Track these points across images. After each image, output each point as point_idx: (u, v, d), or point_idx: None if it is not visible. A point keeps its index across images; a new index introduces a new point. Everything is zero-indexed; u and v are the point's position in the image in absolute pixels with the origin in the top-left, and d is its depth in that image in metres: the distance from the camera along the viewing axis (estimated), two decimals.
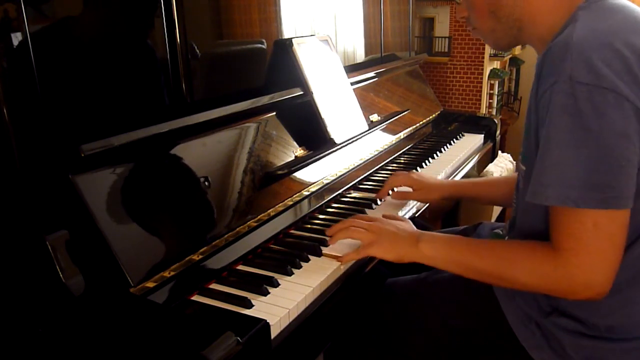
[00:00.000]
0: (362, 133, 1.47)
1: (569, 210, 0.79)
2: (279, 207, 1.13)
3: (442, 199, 1.35)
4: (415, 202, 1.34)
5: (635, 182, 0.78)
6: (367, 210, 1.25)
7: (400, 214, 1.27)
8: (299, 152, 1.27)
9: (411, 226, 1.05)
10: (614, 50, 0.77)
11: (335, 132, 1.35)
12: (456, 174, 1.66)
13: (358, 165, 1.46)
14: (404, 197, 1.33)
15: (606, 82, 0.75)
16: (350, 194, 1.36)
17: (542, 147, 0.81)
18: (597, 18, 0.83)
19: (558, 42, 0.81)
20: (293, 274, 0.96)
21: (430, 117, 2.04)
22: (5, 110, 0.77)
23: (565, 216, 0.80)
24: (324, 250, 1.04)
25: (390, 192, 1.34)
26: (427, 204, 1.37)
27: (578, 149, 0.77)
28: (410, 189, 1.32)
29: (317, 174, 1.29)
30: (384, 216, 1.11)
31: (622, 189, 0.76)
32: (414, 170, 1.47)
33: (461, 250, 0.94)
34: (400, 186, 1.33)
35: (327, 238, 1.07)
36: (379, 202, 1.31)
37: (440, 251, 0.95)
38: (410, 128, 1.83)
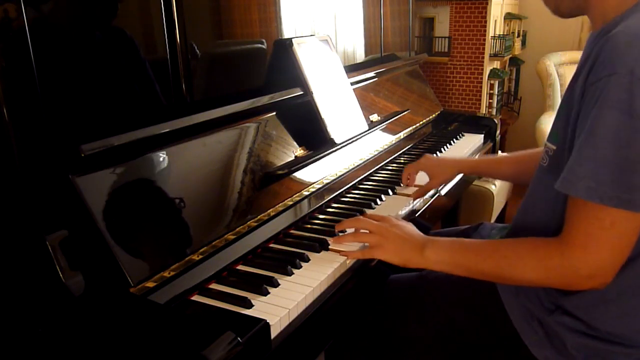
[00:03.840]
0: (362, 133, 1.47)
1: (591, 206, 0.78)
2: (279, 207, 1.13)
3: (456, 175, 1.43)
4: (415, 202, 1.34)
5: None
6: (367, 210, 1.25)
7: (401, 213, 1.27)
8: (299, 152, 1.27)
9: (416, 230, 1.04)
10: None
11: (335, 132, 1.35)
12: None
13: (358, 165, 1.46)
14: (425, 191, 1.37)
15: None
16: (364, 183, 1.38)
17: (584, 138, 0.79)
18: None
19: (626, 31, 0.78)
20: (293, 273, 0.96)
21: (430, 117, 2.04)
22: (5, 110, 0.77)
23: (584, 210, 0.79)
24: (331, 245, 1.05)
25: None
26: (427, 205, 1.37)
27: (620, 148, 0.75)
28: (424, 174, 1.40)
29: (317, 174, 1.29)
30: None
31: None
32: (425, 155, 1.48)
33: (465, 253, 0.94)
34: (416, 172, 1.41)
35: (329, 239, 1.07)
36: (378, 202, 1.31)
37: (444, 256, 0.95)
38: (410, 128, 1.83)
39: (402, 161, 1.66)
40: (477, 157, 1.85)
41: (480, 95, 2.72)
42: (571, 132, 0.84)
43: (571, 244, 0.81)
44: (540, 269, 0.85)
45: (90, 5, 0.90)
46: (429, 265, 0.97)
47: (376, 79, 1.83)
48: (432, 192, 1.43)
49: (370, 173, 1.50)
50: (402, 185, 1.42)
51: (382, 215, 1.09)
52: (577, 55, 2.64)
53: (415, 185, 1.40)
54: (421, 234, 1.03)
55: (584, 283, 0.82)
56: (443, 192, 1.47)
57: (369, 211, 1.25)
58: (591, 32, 0.91)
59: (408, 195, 1.35)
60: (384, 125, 1.63)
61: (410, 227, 1.05)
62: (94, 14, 0.91)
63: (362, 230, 1.04)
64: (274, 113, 1.27)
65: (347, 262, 1.02)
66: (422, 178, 1.41)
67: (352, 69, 1.66)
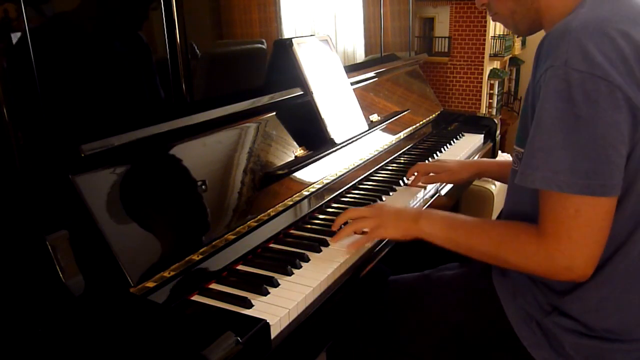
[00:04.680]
0: (362, 133, 1.47)
1: (554, 195, 0.80)
2: (279, 207, 1.13)
3: (469, 178, 1.42)
4: (417, 199, 1.34)
5: (622, 172, 0.78)
6: None
7: None
8: (299, 152, 1.27)
9: (410, 207, 1.07)
10: (611, 39, 0.77)
11: (335, 132, 1.35)
12: None
13: (358, 165, 1.46)
14: (433, 181, 1.38)
15: (600, 70, 0.76)
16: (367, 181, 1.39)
17: (533, 131, 0.82)
18: (602, 5, 0.84)
19: (558, 27, 0.82)
20: (293, 273, 0.96)
21: (430, 117, 2.04)
22: (5, 110, 0.77)
23: (549, 200, 0.82)
24: (332, 244, 1.06)
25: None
26: (427, 205, 1.37)
27: (567, 134, 0.78)
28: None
29: (317, 174, 1.29)
30: None
31: (607, 177, 0.77)
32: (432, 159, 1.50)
33: (457, 228, 0.97)
34: (423, 173, 1.40)
35: (328, 238, 1.07)
36: (378, 202, 1.31)
37: (437, 228, 0.98)
38: (410, 128, 1.83)
39: (402, 161, 1.66)
40: (477, 157, 1.85)
41: (480, 95, 2.72)
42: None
43: (546, 233, 0.83)
44: (520, 255, 0.87)
45: (90, 5, 0.90)
46: (424, 236, 1.00)
47: (376, 79, 1.83)
48: (432, 191, 1.43)
49: (370, 173, 1.50)
50: (406, 179, 1.43)
51: (370, 205, 1.12)
52: None
53: (419, 185, 1.40)
54: (414, 208, 1.05)
55: (562, 273, 0.83)
56: (443, 192, 1.47)
57: None
58: None
59: (420, 186, 1.38)
60: (384, 125, 1.63)
61: (403, 205, 1.08)
62: (94, 13, 0.91)
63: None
64: (274, 113, 1.27)
65: (349, 255, 1.03)
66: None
67: (352, 69, 1.66)
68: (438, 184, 1.46)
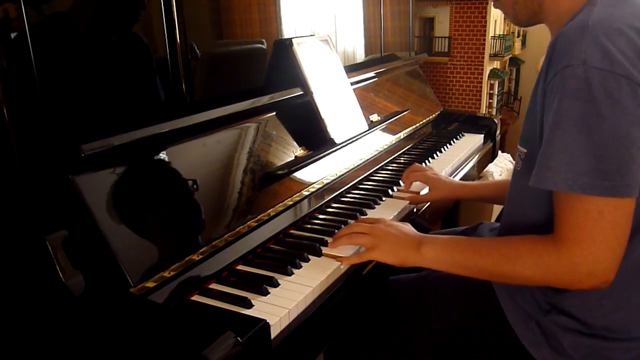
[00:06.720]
0: (362, 133, 1.47)
1: (575, 198, 0.78)
2: (279, 207, 1.13)
3: (451, 199, 1.36)
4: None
5: None
6: (367, 210, 1.25)
7: (401, 212, 1.27)
8: (299, 152, 1.27)
9: (413, 230, 1.03)
10: (627, 37, 0.76)
11: (335, 132, 1.35)
12: (456, 174, 1.66)
13: (358, 165, 1.46)
14: (420, 201, 1.34)
15: (620, 68, 0.74)
16: (364, 184, 1.37)
17: (550, 132, 0.79)
18: (616, 3, 0.82)
19: (573, 25, 0.80)
20: (293, 274, 0.96)
21: (430, 117, 2.04)
22: (5, 110, 0.77)
23: (570, 204, 0.79)
24: (324, 250, 1.04)
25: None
26: (427, 205, 1.37)
27: (589, 135, 0.75)
28: (423, 185, 1.36)
29: (317, 174, 1.29)
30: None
31: (630, 178, 0.75)
32: (428, 167, 1.47)
33: (462, 251, 0.93)
34: (417, 181, 1.37)
35: (328, 239, 1.07)
36: (379, 202, 1.31)
37: (442, 253, 0.94)
38: (410, 128, 1.83)
39: (402, 161, 1.66)
40: (477, 157, 1.85)
41: (480, 95, 2.73)
42: (539, 132, 0.84)
43: (564, 239, 0.80)
44: (537, 267, 0.83)
45: (90, 5, 0.90)
46: (426, 264, 0.96)
47: (376, 79, 1.83)
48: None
49: (370, 173, 1.50)
50: (402, 184, 1.42)
51: (377, 218, 1.08)
52: None
53: (410, 192, 1.38)
54: (417, 232, 1.02)
55: (584, 280, 0.80)
56: None
57: (369, 212, 1.25)
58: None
59: (404, 199, 1.33)
60: (384, 125, 1.63)
61: (407, 227, 1.04)
62: (94, 13, 0.91)
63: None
64: (274, 113, 1.27)
65: (342, 267, 1.00)
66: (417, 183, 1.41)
67: (352, 69, 1.66)
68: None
